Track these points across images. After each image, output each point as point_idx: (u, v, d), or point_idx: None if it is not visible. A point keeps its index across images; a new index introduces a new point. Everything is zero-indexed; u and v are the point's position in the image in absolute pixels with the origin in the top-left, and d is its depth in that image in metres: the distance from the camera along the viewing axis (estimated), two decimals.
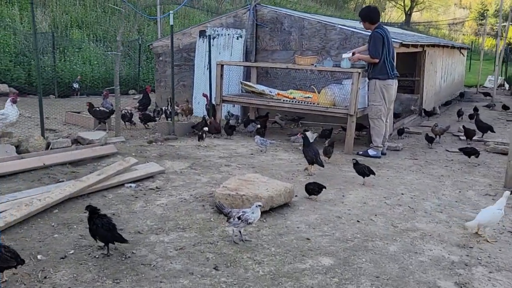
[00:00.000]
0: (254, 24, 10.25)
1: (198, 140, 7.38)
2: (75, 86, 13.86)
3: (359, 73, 7.19)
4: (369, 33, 7.38)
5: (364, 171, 5.69)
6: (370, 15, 7.20)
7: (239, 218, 3.70)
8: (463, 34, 49.48)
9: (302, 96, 8.71)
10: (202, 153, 6.90)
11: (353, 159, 5.89)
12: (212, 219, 4.19)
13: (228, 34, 10.65)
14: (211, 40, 10.79)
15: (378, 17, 7.25)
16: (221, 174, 5.86)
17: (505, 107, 13.67)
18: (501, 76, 23.98)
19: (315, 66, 7.66)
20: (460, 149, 7.35)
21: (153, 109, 9.57)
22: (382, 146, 7.29)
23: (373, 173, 5.73)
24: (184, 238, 3.78)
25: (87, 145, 6.25)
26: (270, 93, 8.95)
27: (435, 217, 4.71)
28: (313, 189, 5.00)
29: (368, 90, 7.36)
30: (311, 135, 7.34)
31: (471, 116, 11.73)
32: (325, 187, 5.05)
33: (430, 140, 8.38)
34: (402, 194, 5.42)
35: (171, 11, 7.66)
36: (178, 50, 11.52)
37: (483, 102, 15.49)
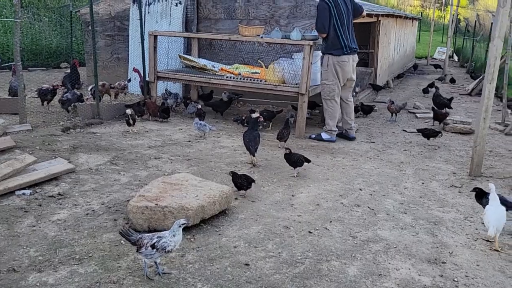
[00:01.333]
0: None
1: (127, 126, 6.29)
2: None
3: (311, 46, 6.30)
4: None
5: (300, 160, 4.89)
6: None
7: (153, 246, 2.76)
8: (410, 6, 50.08)
9: (249, 72, 7.76)
10: (129, 142, 5.84)
11: (286, 148, 4.99)
12: (123, 241, 3.22)
13: (166, 0, 9.38)
14: (147, 6, 9.51)
15: None
16: (147, 171, 4.85)
17: (452, 80, 13.31)
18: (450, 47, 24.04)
19: (261, 37, 6.68)
20: (419, 131, 6.72)
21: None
22: (336, 129, 6.50)
23: (308, 161, 4.99)
24: (77, 276, 2.79)
25: None
26: (213, 68, 7.92)
27: (399, 220, 3.98)
28: (242, 183, 4.18)
29: (321, 66, 6.51)
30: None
31: (425, 91, 11.27)
32: (254, 181, 4.26)
33: (368, 111, 8.27)
34: (360, 189, 4.67)
35: None
36: (110, 18, 10.15)
37: (434, 75, 15.18)
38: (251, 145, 5.14)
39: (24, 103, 5.81)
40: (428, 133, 6.54)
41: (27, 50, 13.68)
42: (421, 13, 34.43)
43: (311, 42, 6.29)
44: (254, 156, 5.17)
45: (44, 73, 12.92)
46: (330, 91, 6.34)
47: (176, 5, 9.26)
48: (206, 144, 6.08)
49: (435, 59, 21.02)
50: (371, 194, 4.55)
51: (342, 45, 6.14)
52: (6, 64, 10.40)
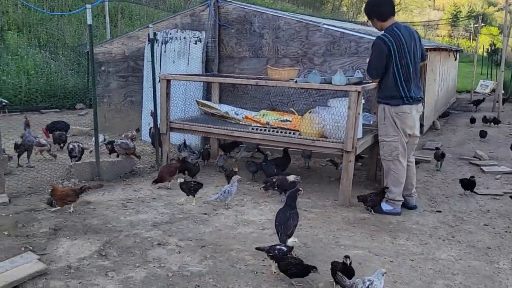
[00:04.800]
0: (216, 24, 8.02)
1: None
2: (5, 102, 11.29)
3: (359, 92, 5.01)
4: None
5: (307, 270, 3.32)
6: (379, 7, 4.96)
7: None
8: (438, 35, 49.05)
9: (278, 120, 6.48)
10: (128, 218, 4.58)
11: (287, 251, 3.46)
12: None
13: (184, 38, 8.37)
14: (163, 45, 8.51)
15: (389, 10, 4.98)
16: (145, 268, 3.55)
17: (496, 121, 11.42)
18: (491, 79, 22.32)
19: (296, 81, 5.44)
20: None
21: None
22: (401, 199, 5.06)
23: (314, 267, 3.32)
24: None
25: None
26: (235, 116, 6.71)
27: None
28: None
29: (377, 117, 5.19)
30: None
31: (482, 134, 9.73)
32: None
33: (469, 186, 5.74)
34: None
35: (87, 5, 5.33)
36: (124, 58, 9.21)
37: (485, 112, 13.54)
38: (281, 231, 3.82)
39: (4, 165, 4.66)
40: None
41: (41, 91, 12.93)
42: (458, 44, 33.05)
43: (359, 88, 5.00)
44: (284, 243, 3.82)
45: (58, 115, 12.07)
46: (392, 150, 4.96)
47: (196, 43, 8.22)
48: (227, 217, 4.76)
49: (478, 93, 19.41)
50: None
51: (402, 93, 4.82)
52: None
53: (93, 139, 7.03)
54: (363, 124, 5.81)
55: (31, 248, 3.70)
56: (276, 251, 3.44)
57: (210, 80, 6.76)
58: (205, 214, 4.84)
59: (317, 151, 5.64)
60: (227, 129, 5.93)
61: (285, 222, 3.84)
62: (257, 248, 3.56)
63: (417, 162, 6.90)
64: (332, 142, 5.28)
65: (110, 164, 5.97)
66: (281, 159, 6.35)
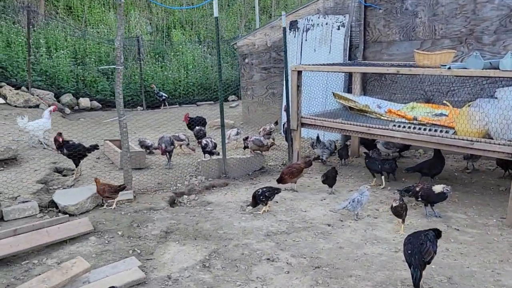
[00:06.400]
0: (361, 5, 7.16)
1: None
2: (164, 96, 12.26)
3: None
4: None
5: None
6: None
7: None
8: None
9: (430, 114, 5.39)
10: (242, 224, 4.20)
11: None
12: None
13: (326, 24, 7.71)
14: (304, 33, 8.00)
15: None
16: None
17: None
18: None
19: (448, 68, 4.32)
20: None
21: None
22: None
23: None
24: None
25: (56, 217, 4.03)
26: (377, 110, 5.83)
27: None
28: None
29: None
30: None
31: None
32: None
33: None
34: None
35: None
36: (266, 49, 9.00)
37: None
38: (414, 262, 2.95)
39: (128, 163, 4.75)
40: None
41: (197, 85, 13.71)
42: None
43: None
44: (416, 286, 2.95)
45: (210, 107, 12.61)
46: None
47: (338, 28, 7.49)
48: (353, 231, 4.03)
49: None
50: None
51: None
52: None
53: (231, 131, 6.95)
54: None
55: (139, 251, 3.60)
56: None
57: (344, 69, 5.92)
58: (329, 225, 4.18)
59: (477, 153, 4.44)
60: (362, 126, 5.11)
61: (420, 247, 2.96)
62: None
63: None
64: (499, 144, 4.06)
65: (238, 161, 5.72)
66: (431, 161, 5.25)
